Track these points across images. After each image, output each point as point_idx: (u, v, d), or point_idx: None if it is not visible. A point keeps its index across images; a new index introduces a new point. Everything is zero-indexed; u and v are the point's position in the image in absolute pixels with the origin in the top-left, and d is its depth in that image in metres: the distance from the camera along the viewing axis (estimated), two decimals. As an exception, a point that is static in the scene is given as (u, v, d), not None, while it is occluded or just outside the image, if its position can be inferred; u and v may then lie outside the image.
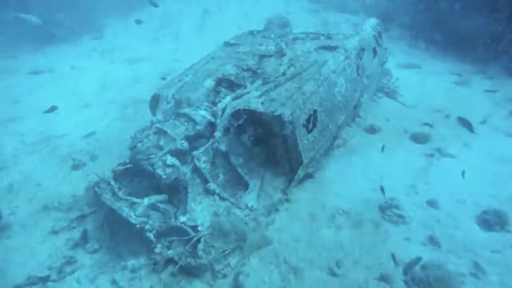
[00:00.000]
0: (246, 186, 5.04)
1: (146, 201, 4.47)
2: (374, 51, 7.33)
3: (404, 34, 13.90)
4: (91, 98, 9.74)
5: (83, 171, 6.47)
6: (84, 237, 4.75)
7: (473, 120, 6.85)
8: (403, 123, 7.28)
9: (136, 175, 5.05)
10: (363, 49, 6.74)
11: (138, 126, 6.72)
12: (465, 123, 4.83)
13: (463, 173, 5.48)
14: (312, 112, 5.23)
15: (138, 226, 4.23)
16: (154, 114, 6.07)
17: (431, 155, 6.15)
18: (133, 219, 4.26)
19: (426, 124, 7.13)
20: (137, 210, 4.35)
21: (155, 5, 8.27)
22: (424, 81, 9.82)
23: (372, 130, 6.84)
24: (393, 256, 4.20)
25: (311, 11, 17.56)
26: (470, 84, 9.70)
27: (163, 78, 6.41)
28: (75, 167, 6.55)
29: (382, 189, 5.16)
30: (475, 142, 6.60)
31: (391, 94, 8.54)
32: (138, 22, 7.80)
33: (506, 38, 10.75)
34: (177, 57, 12.55)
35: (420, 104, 8.27)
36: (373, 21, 7.62)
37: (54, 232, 4.86)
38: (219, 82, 5.84)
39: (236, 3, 19.40)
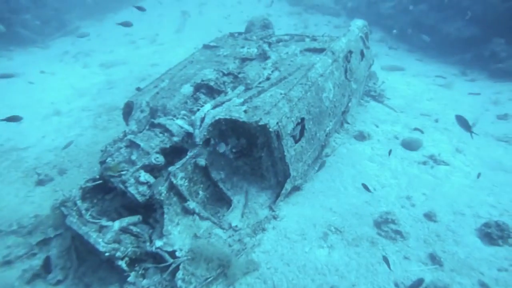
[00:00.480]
0: (229, 203, 4.59)
1: (116, 225, 3.95)
2: (362, 54, 7.00)
3: (387, 37, 13.83)
4: (62, 105, 9.13)
5: (50, 187, 5.89)
6: (47, 266, 4.19)
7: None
8: (392, 128, 6.97)
9: (107, 191, 4.53)
10: (350, 52, 6.38)
11: (111, 136, 6.21)
12: (463, 122, 4.52)
13: (478, 175, 5.41)
14: (299, 121, 4.82)
15: (107, 254, 3.71)
16: (127, 123, 5.55)
17: (425, 163, 5.85)
18: (101, 246, 3.74)
19: (416, 129, 6.84)
20: (107, 236, 3.82)
21: (142, 9, 7.73)
22: (410, 84, 9.64)
23: (361, 137, 6.47)
24: (386, 259, 3.90)
25: (292, 13, 17.32)
26: (454, 86, 9.56)
27: (138, 89, 5.89)
28: (40, 182, 5.98)
29: (365, 187, 4.87)
30: (467, 147, 6.36)
31: (378, 98, 8.25)
32: (126, 24, 7.13)
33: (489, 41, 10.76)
34: (155, 61, 12.04)
35: (407, 108, 8.03)
36: (359, 22, 7.28)
37: (8, 263, 4.24)
38: (197, 88, 5.39)
39: (217, 5, 18.96)
